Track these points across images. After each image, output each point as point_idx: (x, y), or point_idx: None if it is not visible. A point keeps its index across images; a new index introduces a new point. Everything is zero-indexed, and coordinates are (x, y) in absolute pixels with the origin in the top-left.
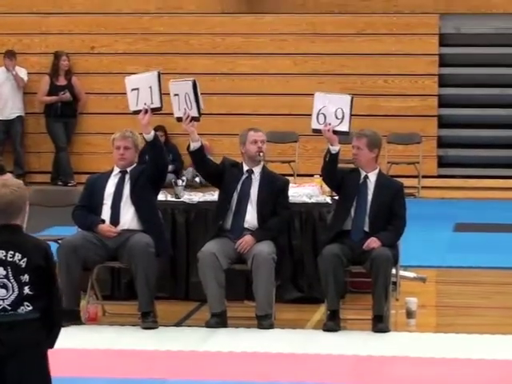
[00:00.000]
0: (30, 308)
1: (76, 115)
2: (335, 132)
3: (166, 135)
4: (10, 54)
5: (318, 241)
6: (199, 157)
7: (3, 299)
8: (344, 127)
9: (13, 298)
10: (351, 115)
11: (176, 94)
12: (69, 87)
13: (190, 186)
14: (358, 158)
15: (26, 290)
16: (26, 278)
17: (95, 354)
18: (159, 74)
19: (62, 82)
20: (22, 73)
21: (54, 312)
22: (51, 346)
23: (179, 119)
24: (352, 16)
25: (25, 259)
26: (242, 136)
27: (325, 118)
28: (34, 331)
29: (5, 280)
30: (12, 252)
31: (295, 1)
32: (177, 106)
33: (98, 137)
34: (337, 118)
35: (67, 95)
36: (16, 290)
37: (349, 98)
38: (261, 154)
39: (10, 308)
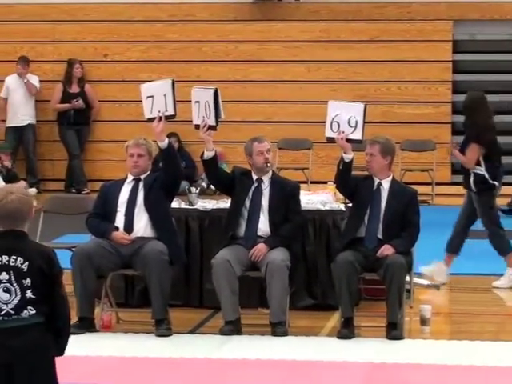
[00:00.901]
0: (34, 312)
1: (89, 123)
2: (348, 140)
3: (179, 142)
4: (24, 61)
5: (332, 248)
6: (212, 166)
7: (7, 303)
8: (357, 135)
9: (16, 301)
10: (364, 123)
11: (197, 101)
12: (82, 95)
13: (205, 193)
14: (371, 165)
15: (29, 293)
16: (28, 281)
17: (109, 362)
18: (173, 82)
19: (75, 89)
20: (34, 80)
21: (60, 318)
22: (61, 353)
23: (197, 127)
24: (366, 23)
25: (26, 263)
26: (247, 147)
27: (338, 126)
28: (39, 335)
29: (8, 284)
30: (14, 257)
31: (309, 8)
32: (196, 114)
33: (112, 144)
34: (350, 126)
35: (80, 103)
36: (19, 293)
37: (362, 106)
38: (268, 164)
39: (13, 312)
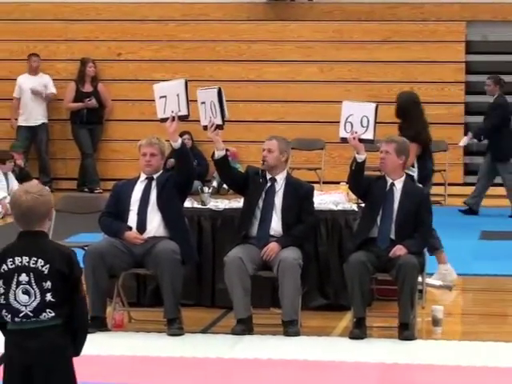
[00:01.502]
0: (53, 314)
1: (102, 122)
2: (360, 140)
3: (192, 140)
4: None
5: (344, 248)
6: (224, 165)
7: (26, 305)
8: (369, 135)
9: (35, 304)
10: (376, 123)
11: (203, 102)
12: (95, 94)
13: (218, 193)
14: (385, 163)
15: (49, 296)
16: (48, 284)
17: (121, 361)
18: (186, 82)
19: (88, 88)
20: (47, 79)
21: (77, 319)
22: (77, 353)
23: (205, 127)
24: (378, 23)
25: (47, 265)
26: None
27: (352, 126)
28: (57, 337)
29: (27, 286)
30: (35, 258)
31: (322, 8)
32: (203, 114)
33: (124, 143)
34: (362, 126)
35: (93, 102)
36: (38, 296)
37: (373, 106)
38: (265, 162)
39: (32, 314)
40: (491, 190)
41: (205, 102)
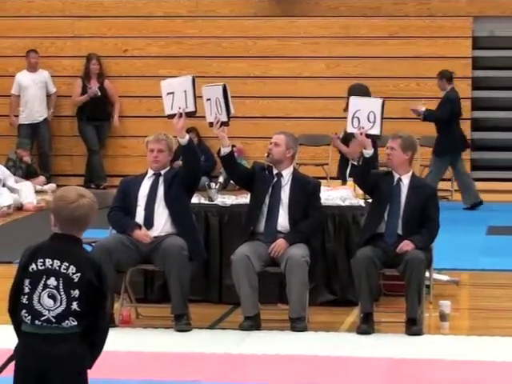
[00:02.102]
0: (75, 323)
1: (109, 118)
2: (367, 136)
3: (198, 137)
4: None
5: (352, 243)
6: (230, 162)
7: (49, 310)
8: (375, 130)
9: (60, 310)
10: (382, 118)
11: (208, 99)
12: (101, 90)
13: (225, 189)
14: (391, 159)
15: (75, 305)
16: (76, 292)
17: (128, 357)
18: (194, 79)
19: (94, 84)
20: (46, 76)
21: (99, 333)
22: (90, 366)
23: (211, 124)
24: (385, 19)
25: (79, 274)
26: None
27: (359, 121)
28: (76, 345)
29: (54, 291)
30: (67, 264)
31: (328, 4)
32: (209, 111)
33: (132, 140)
34: (369, 121)
35: (93, 90)
36: (64, 303)
37: (380, 101)
38: (269, 155)
39: (54, 320)
40: (497, 185)
41: (210, 99)
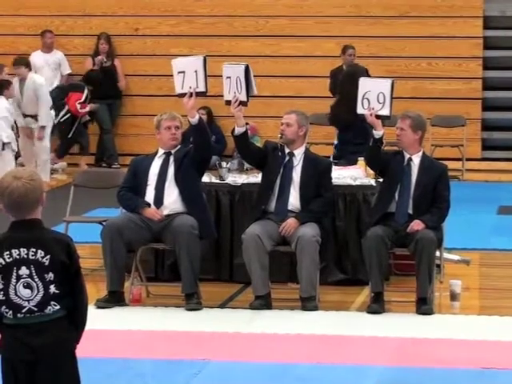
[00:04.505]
0: (58, 307)
1: (120, 97)
2: (377, 116)
3: (211, 117)
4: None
5: (362, 223)
6: (243, 141)
7: (28, 300)
8: (385, 111)
9: (39, 298)
10: (392, 99)
11: (228, 77)
12: (112, 69)
13: (240, 170)
14: (402, 139)
15: (52, 288)
16: (50, 276)
17: (139, 336)
18: (205, 59)
19: (105, 63)
20: (60, 57)
21: (79, 309)
22: (77, 342)
23: (228, 102)
24: None
25: (48, 256)
26: None
27: (369, 102)
28: (62, 331)
29: (29, 279)
30: (34, 249)
31: None
32: (227, 89)
33: (143, 118)
34: (379, 102)
35: (99, 58)
36: (41, 289)
37: (389, 82)
38: (283, 136)
39: (36, 309)
40: (508, 165)
41: (230, 77)
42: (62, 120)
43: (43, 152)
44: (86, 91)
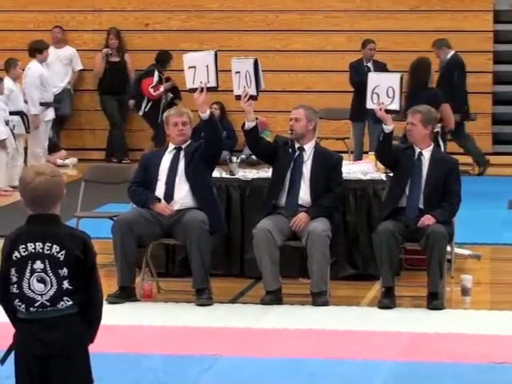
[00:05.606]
0: (70, 303)
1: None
2: (387, 111)
3: (222, 111)
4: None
5: (373, 217)
6: (253, 136)
7: (41, 294)
8: (395, 106)
9: (52, 293)
10: (401, 93)
11: (237, 72)
12: (122, 64)
13: (248, 163)
14: (412, 134)
15: (66, 284)
16: (64, 271)
17: (150, 331)
18: (216, 54)
19: (115, 58)
20: (72, 53)
21: (94, 306)
22: (92, 341)
23: (238, 97)
24: None
25: (63, 251)
26: None
27: (378, 97)
28: (74, 327)
29: (42, 274)
30: (49, 244)
31: None
32: (237, 84)
33: None
34: (388, 96)
35: (104, 50)
36: (55, 284)
37: (398, 76)
38: (293, 131)
39: (49, 304)
40: None
41: (239, 72)
42: (146, 110)
43: (35, 145)
44: (155, 74)
